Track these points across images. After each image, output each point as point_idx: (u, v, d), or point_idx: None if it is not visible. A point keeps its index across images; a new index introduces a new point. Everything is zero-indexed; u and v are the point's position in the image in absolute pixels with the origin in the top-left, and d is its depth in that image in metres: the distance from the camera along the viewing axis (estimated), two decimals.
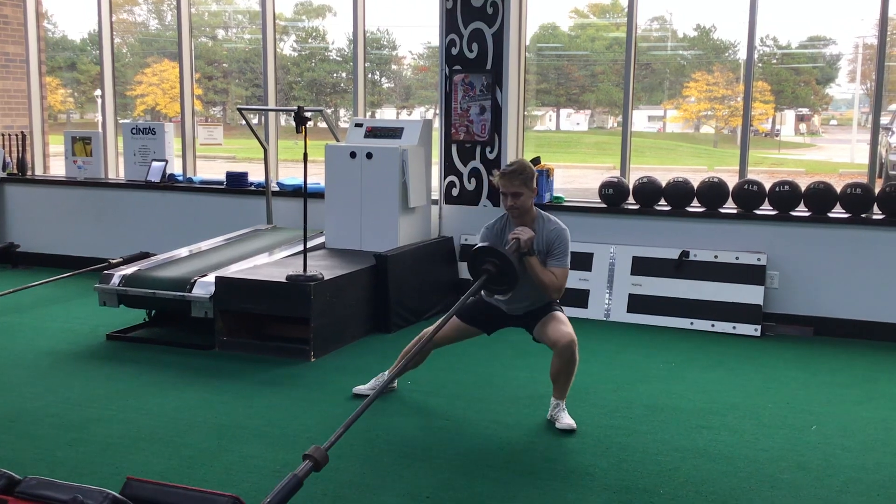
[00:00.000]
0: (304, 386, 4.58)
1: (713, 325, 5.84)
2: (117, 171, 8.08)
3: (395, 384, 4.55)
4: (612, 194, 6.29)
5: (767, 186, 5.98)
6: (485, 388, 4.59)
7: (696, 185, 6.16)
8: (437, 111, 6.68)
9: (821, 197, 5.83)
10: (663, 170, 12.34)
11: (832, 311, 5.81)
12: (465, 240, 6.59)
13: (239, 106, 6.82)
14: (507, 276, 3.82)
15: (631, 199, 6.33)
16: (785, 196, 5.89)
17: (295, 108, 5.03)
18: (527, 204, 3.99)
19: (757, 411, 4.28)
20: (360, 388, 4.48)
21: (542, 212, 4.11)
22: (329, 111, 7.08)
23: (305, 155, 5.05)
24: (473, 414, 4.20)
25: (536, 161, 6.48)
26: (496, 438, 3.89)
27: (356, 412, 3.31)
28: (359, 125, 6.47)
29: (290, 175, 7.57)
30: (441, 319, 3.95)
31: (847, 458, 3.71)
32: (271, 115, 7.47)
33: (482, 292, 4.12)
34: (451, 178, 6.62)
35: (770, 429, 4.04)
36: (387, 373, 4.47)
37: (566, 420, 3.98)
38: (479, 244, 3.95)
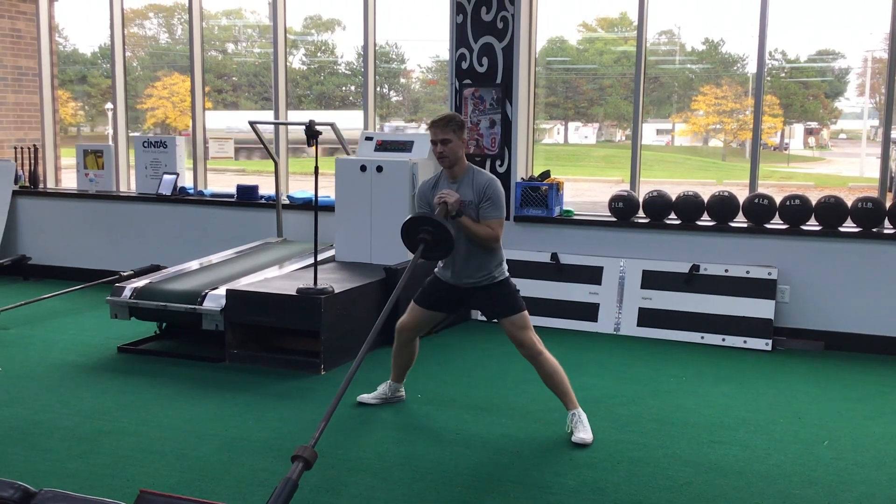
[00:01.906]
0: (315, 399, 4.59)
1: (724, 340, 5.82)
2: (129, 184, 8.12)
3: (403, 393, 4.56)
4: (623, 208, 6.29)
5: (778, 200, 5.97)
6: (495, 402, 4.58)
7: (705, 198, 6.16)
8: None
9: (832, 211, 5.82)
10: (672, 183, 12.33)
11: (843, 325, 5.79)
12: None
13: (250, 119, 6.85)
14: (443, 242, 3.90)
15: (641, 213, 6.33)
16: (796, 210, 5.89)
17: (306, 121, 5.05)
18: (457, 153, 4.04)
19: (768, 426, 4.26)
20: (365, 397, 4.52)
21: (474, 166, 4.17)
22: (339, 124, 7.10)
23: (316, 168, 5.07)
24: (483, 428, 4.19)
25: (546, 175, 6.49)
26: (507, 452, 3.88)
27: (332, 403, 3.31)
28: (369, 139, 6.49)
29: (300, 188, 7.60)
30: (392, 296, 3.97)
31: (859, 473, 3.69)
32: (281, 128, 7.50)
33: (435, 271, 4.26)
34: None
35: (782, 444, 4.02)
36: (390, 380, 4.52)
37: (579, 434, 3.97)
38: (410, 216, 4.00)
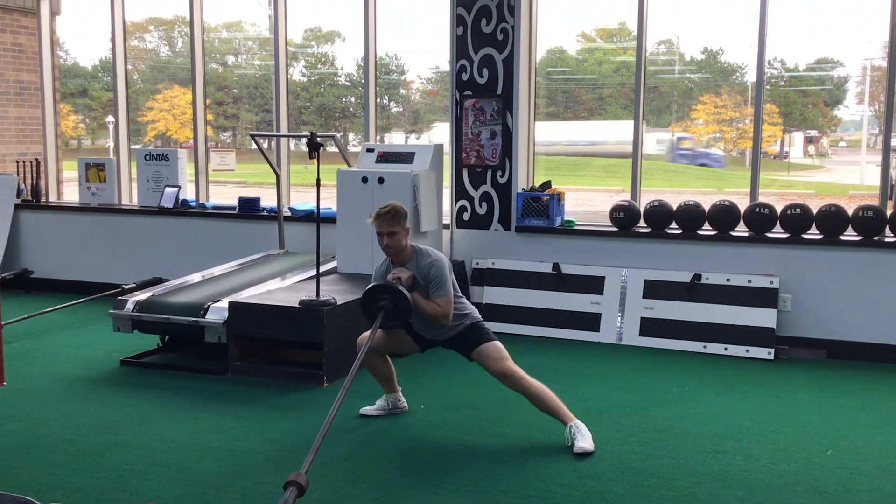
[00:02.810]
0: (318, 411, 4.58)
1: (726, 349, 5.83)
2: (131, 197, 8.14)
3: (405, 403, 4.57)
4: (624, 217, 6.30)
5: (779, 209, 5.98)
6: (498, 412, 4.58)
7: (706, 208, 6.17)
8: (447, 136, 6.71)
9: (833, 220, 5.83)
10: (672, 192, 12.35)
11: (845, 333, 5.79)
12: (477, 264, 6.61)
13: (251, 132, 6.87)
14: (402, 310, 4.07)
15: (642, 223, 6.34)
16: (797, 219, 5.90)
17: (308, 133, 5.07)
18: (401, 242, 4.24)
19: (772, 435, 4.26)
20: (367, 409, 4.53)
21: (417, 246, 4.32)
22: (339, 135, 7.14)
23: (318, 180, 5.08)
24: (487, 438, 4.19)
25: (547, 185, 6.51)
26: (511, 463, 3.88)
27: (321, 432, 3.34)
28: (370, 150, 6.51)
29: (301, 200, 7.61)
30: (363, 348, 4.09)
31: (864, 482, 3.69)
32: (283, 140, 7.52)
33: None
34: (463, 202, 6.65)
35: (785, 453, 4.02)
36: (385, 394, 4.56)
37: (580, 444, 3.97)
38: (371, 284, 4.17)
